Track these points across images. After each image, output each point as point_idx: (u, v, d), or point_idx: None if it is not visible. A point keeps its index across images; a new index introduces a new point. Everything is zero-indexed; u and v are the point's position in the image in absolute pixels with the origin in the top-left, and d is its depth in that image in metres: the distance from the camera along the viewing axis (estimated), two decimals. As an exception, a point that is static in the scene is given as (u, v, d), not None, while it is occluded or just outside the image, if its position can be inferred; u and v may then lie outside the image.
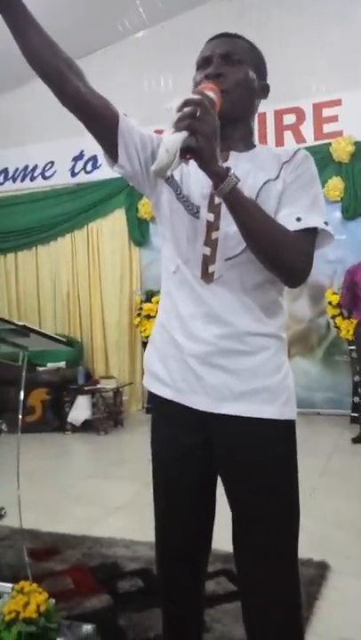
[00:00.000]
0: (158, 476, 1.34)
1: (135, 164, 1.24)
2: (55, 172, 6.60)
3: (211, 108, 1.06)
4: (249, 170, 1.21)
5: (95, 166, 6.42)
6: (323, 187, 5.34)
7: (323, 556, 2.40)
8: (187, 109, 1.03)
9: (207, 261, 1.21)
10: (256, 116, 1.32)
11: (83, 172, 6.47)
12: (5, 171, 6.81)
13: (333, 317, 5.21)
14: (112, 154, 1.23)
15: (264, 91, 1.31)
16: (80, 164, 6.50)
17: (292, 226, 1.16)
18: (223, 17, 5.88)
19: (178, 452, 1.27)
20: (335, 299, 5.10)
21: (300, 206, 1.18)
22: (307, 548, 2.43)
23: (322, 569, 2.29)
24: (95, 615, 2.00)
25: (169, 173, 1.05)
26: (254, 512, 1.22)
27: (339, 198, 5.43)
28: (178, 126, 1.03)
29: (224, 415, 1.20)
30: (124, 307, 6.21)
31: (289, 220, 1.17)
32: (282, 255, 1.15)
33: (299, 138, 5.65)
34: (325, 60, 5.56)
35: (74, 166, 6.51)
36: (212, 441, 1.25)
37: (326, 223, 1.20)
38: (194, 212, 1.22)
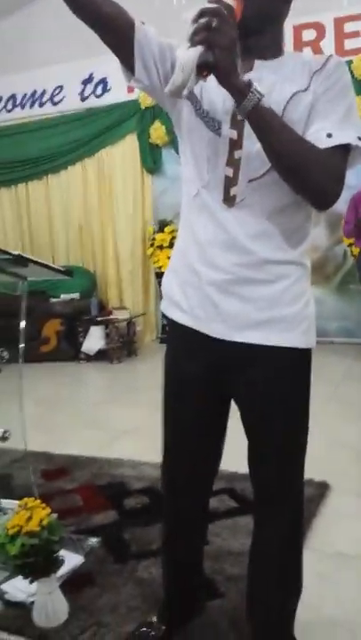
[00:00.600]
0: (168, 398, 1.35)
1: (153, 78, 1.16)
2: (64, 97, 6.37)
3: (229, 17, 0.97)
4: (275, 80, 1.12)
5: (105, 89, 6.17)
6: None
7: (324, 476, 2.45)
8: (202, 21, 0.95)
9: (229, 183, 1.15)
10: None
11: (93, 95, 6.23)
12: (13, 97, 6.59)
13: (350, 246, 5.10)
14: (129, 66, 1.16)
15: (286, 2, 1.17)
16: (90, 88, 6.25)
17: (322, 143, 1.08)
18: None
19: (190, 375, 1.28)
20: (350, 226, 4.96)
21: (331, 120, 1.10)
22: (309, 469, 2.49)
23: (322, 488, 2.35)
24: (101, 529, 2.10)
25: (185, 93, 0.97)
26: (269, 438, 1.26)
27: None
28: (193, 40, 0.95)
29: (241, 343, 1.19)
30: (137, 237, 6.13)
31: (319, 136, 1.09)
32: (310, 176, 1.08)
33: (319, 54, 5.33)
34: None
35: (83, 90, 6.27)
36: (227, 368, 1.24)
37: (360, 138, 1.11)
38: (215, 128, 1.15)
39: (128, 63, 1.15)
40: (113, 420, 3.64)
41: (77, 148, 6.30)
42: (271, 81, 1.11)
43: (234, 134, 1.13)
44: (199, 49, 0.95)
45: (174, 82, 0.95)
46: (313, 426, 1.36)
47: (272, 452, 1.27)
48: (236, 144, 1.13)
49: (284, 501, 1.31)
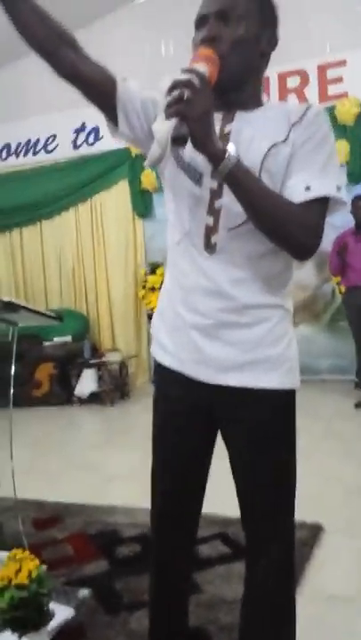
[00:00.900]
0: (157, 439, 1.36)
1: (137, 132, 1.20)
2: (57, 145, 6.54)
3: (202, 86, 1.01)
4: (255, 131, 1.15)
5: (97, 138, 6.35)
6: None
7: (317, 516, 2.44)
8: (174, 93, 0.99)
9: (210, 232, 1.18)
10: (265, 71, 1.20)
11: (85, 144, 6.41)
12: (8, 146, 6.76)
13: (338, 284, 5.17)
14: (113, 121, 1.20)
15: (272, 44, 1.21)
16: (82, 137, 6.43)
17: (301, 196, 1.11)
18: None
19: (177, 417, 1.30)
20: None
21: (310, 172, 1.12)
22: (301, 509, 2.48)
23: (315, 530, 2.33)
24: (93, 580, 2.07)
25: (163, 162, 1.03)
26: (255, 479, 1.26)
27: (344, 162, 5.32)
28: (167, 113, 0.99)
29: (226, 386, 1.21)
30: (128, 279, 6.21)
31: (298, 188, 1.12)
32: (287, 233, 1.12)
33: (303, 100, 5.51)
34: (329, 19, 5.38)
35: (76, 138, 6.44)
36: (213, 409, 1.26)
37: (339, 188, 1.14)
38: (197, 179, 1.18)
39: (112, 118, 1.20)
40: (106, 464, 3.61)
41: (71, 194, 6.43)
42: (251, 132, 1.15)
43: (214, 185, 1.16)
44: (173, 122, 0.98)
45: (152, 155, 0.99)
46: (305, 464, 1.36)
47: (260, 492, 1.27)
48: (216, 194, 1.16)
49: (275, 543, 1.30)
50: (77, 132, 6.44)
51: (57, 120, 6.43)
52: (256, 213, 1.11)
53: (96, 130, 6.33)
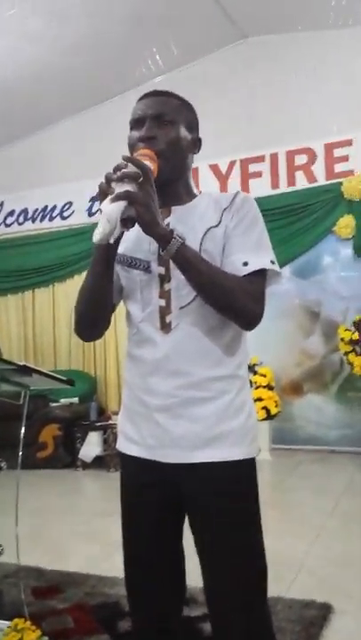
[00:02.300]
0: (126, 526, 1.35)
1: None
2: (73, 212, 6.80)
3: (147, 177, 1.11)
4: (191, 222, 1.27)
5: (111, 206, 6.59)
6: (334, 225, 5.49)
7: (326, 596, 2.36)
8: (126, 180, 1.09)
9: (164, 312, 1.26)
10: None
11: (99, 211, 6.63)
12: (25, 211, 7.04)
13: (346, 354, 5.19)
14: None
15: (197, 145, 1.35)
16: (97, 205, 6.66)
17: (240, 271, 1.22)
18: (237, 60, 6.11)
19: (145, 504, 1.30)
20: (348, 335, 5.09)
21: (245, 250, 1.24)
22: (310, 589, 2.43)
23: (324, 610, 2.25)
24: (93, 655, 1.99)
25: (111, 241, 1.10)
26: (221, 549, 1.25)
27: (350, 236, 5.49)
28: (117, 196, 1.08)
29: (194, 463, 1.24)
30: (137, 343, 6.26)
31: (237, 265, 1.22)
32: (233, 302, 1.20)
33: (310, 177, 5.75)
34: (337, 101, 5.69)
35: (91, 206, 6.70)
36: (180, 486, 1.27)
37: (273, 262, 1.25)
38: (146, 267, 1.28)
39: None
40: (110, 532, 3.51)
41: (84, 258, 6.60)
42: (188, 222, 1.27)
43: (162, 270, 1.27)
44: (122, 203, 1.07)
45: (102, 231, 1.06)
46: (313, 542, 1.35)
47: (224, 571, 1.25)
48: (165, 278, 1.27)
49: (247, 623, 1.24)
50: (93, 199, 6.70)
51: (73, 188, 6.72)
52: (205, 287, 1.19)
53: (110, 198, 6.58)
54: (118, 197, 1.07)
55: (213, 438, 1.24)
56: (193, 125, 1.34)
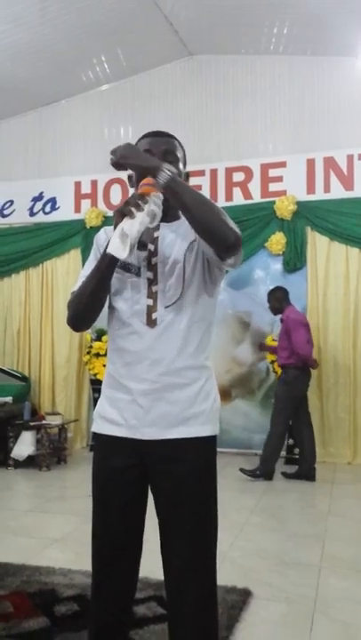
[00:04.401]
0: (98, 502, 1.53)
1: None
2: (14, 210, 6.81)
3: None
4: (176, 236, 1.53)
5: (54, 207, 6.67)
6: (266, 241, 5.83)
7: (246, 583, 2.61)
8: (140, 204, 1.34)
9: (150, 310, 1.49)
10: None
11: (41, 212, 6.71)
12: (-36, 206, 6.97)
13: (272, 362, 5.53)
14: None
15: (187, 178, 1.61)
16: (39, 205, 6.73)
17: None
18: (183, 76, 6.36)
19: (117, 469, 1.50)
20: (274, 344, 5.42)
21: None
22: (232, 577, 2.67)
23: (244, 595, 2.49)
24: (32, 635, 2.13)
25: (127, 256, 1.32)
26: (184, 509, 1.45)
27: (281, 252, 5.85)
28: (126, 211, 1.32)
29: (169, 439, 1.46)
30: (74, 344, 6.36)
31: None
32: (222, 221, 1.34)
33: (246, 194, 6.07)
34: (274, 125, 6.06)
35: (33, 206, 6.74)
36: (152, 461, 1.47)
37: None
38: (135, 271, 1.51)
39: None
40: (43, 528, 3.64)
41: (23, 258, 6.64)
42: (173, 236, 1.52)
43: (150, 275, 1.50)
44: (140, 226, 1.31)
45: (124, 248, 1.30)
46: (238, 535, 1.55)
47: (185, 530, 1.44)
48: (152, 282, 1.50)
49: (198, 592, 1.43)
50: (35, 200, 6.74)
51: (15, 187, 6.74)
52: (197, 206, 1.37)
53: (53, 200, 6.66)
54: (129, 211, 1.32)
55: (188, 418, 1.47)
56: (185, 161, 1.60)
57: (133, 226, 1.31)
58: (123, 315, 1.52)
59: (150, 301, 1.49)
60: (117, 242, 1.31)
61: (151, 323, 1.49)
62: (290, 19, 5.54)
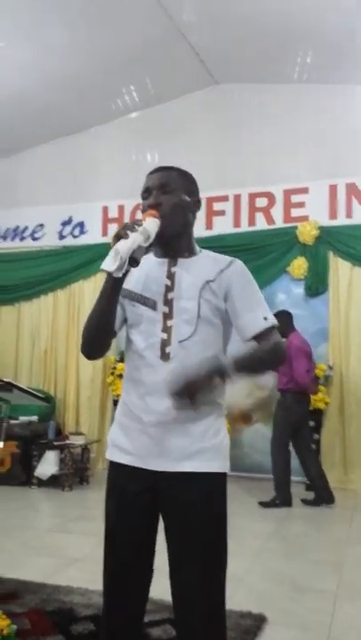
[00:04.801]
0: (111, 525, 1.59)
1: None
2: (44, 234, 7.03)
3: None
4: (192, 273, 1.58)
5: (82, 231, 6.87)
6: (288, 265, 5.90)
7: (262, 609, 2.63)
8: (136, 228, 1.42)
9: (164, 344, 1.54)
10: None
11: (70, 235, 6.91)
12: (-4, 229, 7.23)
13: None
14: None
15: (197, 205, 1.65)
16: (68, 229, 6.94)
17: (263, 324, 1.55)
18: (208, 103, 6.52)
19: (130, 505, 1.55)
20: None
21: (261, 309, 1.58)
22: (247, 602, 2.69)
23: (259, 621, 2.51)
24: (49, 654, 2.19)
25: (120, 274, 1.39)
26: (190, 543, 1.49)
27: (303, 276, 5.91)
28: (122, 233, 1.39)
29: (179, 472, 1.50)
30: (98, 365, 6.47)
31: (258, 320, 1.55)
32: (276, 360, 1.59)
33: (269, 220, 6.16)
34: (297, 151, 6.15)
35: (62, 230, 6.95)
36: (162, 491, 1.53)
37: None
38: (152, 305, 1.57)
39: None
40: (64, 547, 3.71)
41: (51, 279, 6.83)
42: (190, 272, 1.57)
43: (166, 309, 1.55)
44: (132, 246, 1.36)
45: (115, 264, 1.35)
46: (254, 562, 1.57)
47: (194, 560, 1.48)
48: (168, 316, 1.55)
49: (206, 617, 1.47)
50: (64, 224, 6.95)
51: (46, 211, 6.97)
52: (264, 370, 1.62)
53: (81, 224, 6.86)
54: (125, 234, 1.39)
55: (197, 452, 1.51)
56: (192, 190, 1.63)
57: (126, 244, 1.37)
58: (138, 347, 1.57)
59: (165, 335, 1.54)
60: (110, 258, 1.37)
61: (165, 356, 1.53)
62: (313, 47, 5.67)
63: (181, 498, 1.52)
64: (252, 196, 6.24)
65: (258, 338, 1.56)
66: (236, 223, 6.27)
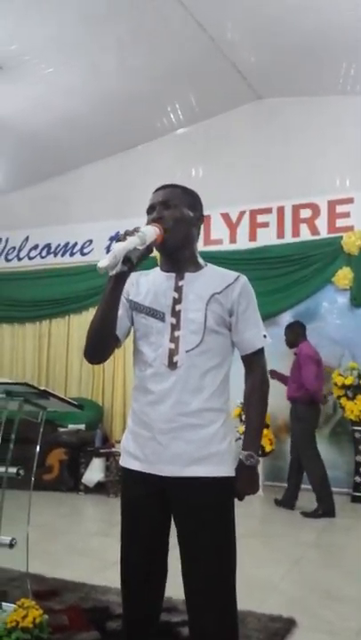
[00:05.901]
0: (123, 523, 1.68)
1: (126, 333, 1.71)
2: (93, 249, 7.28)
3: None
4: (199, 286, 1.66)
5: (128, 246, 7.05)
6: (333, 276, 5.87)
7: (292, 614, 2.65)
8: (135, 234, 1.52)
9: (172, 354, 1.62)
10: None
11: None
12: (48, 246, 7.54)
13: (339, 397, 5.50)
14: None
15: (200, 220, 1.73)
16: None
17: (262, 342, 1.67)
18: (252, 118, 6.61)
19: (143, 508, 1.63)
20: (341, 380, 5.41)
21: (260, 326, 1.68)
22: (279, 606, 2.72)
23: (288, 624, 2.54)
24: (83, 647, 2.30)
25: (113, 273, 1.49)
26: (199, 546, 1.55)
27: (348, 287, 5.86)
28: (121, 237, 1.50)
29: (186, 477, 1.57)
30: (144, 375, 6.61)
31: (259, 337, 1.67)
32: (266, 397, 1.70)
33: (313, 230, 6.16)
34: (341, 162, 6.13)
35: (109, 245, 7.16)
36: (171, 495, 1.60)
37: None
38: (160, 317, 1.65)
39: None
40: (105, 550, 3.82)
41: (100, 293, 6.97)
42: (197, 286, 1.65)
43: (173, 320, 1.63)
44: (128, 246, 1.45)
45: (108, 262, 1.43)
46: (291, 569, 1.61)
47: (204, 565, 1.54)
48: (175, 327, 1.62)
49: (220, 632, 1.51)
50: (112, 239, 7.17)
51: (94, 228, 7.21)
52: (263, 418, 1.72)
53: (128, 239, 7.05)
54: (123, 238, 1.49)
55: (203, 458, 1.57)
56: (195, 206, 1.71)
57: (121, 244, 1.46)
58: (147, 357, 1.65)
59: (172, 345, 1.60)
60: (107, 258, 1.44)
61: (172, 365, 1.60)
62: (356, 59, 5.67)
63: (190, 502, 1.58)
64: (296, 208, 6.26)
65: (250, 356, 1.67)
66: (280, 234, 6.29)
